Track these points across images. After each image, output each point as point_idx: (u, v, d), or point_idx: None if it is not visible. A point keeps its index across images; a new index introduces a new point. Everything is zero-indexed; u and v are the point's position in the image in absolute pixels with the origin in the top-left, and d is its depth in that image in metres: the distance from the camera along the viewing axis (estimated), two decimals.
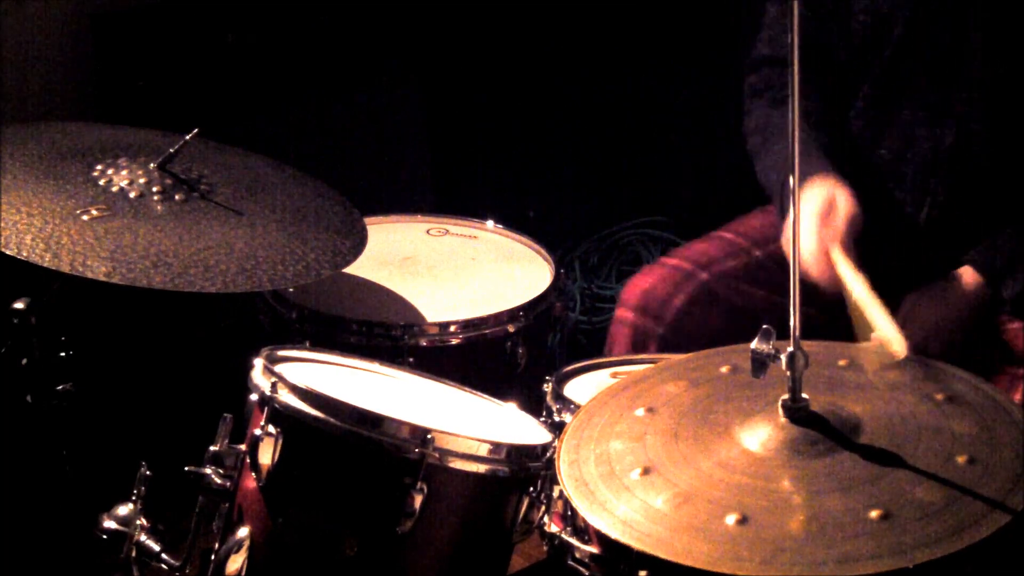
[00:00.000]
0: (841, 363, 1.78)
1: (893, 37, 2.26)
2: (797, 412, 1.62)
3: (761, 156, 2.42)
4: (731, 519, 1.52)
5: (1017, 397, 2.16)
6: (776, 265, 2.37)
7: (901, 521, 1.48)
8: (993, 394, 1.67)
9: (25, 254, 2.05)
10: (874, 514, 1.49)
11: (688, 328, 2.37)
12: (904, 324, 2.23)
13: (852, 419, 1.63)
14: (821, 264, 2.17)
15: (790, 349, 1.59)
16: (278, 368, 1.98)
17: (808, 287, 2.22)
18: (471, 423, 2.08)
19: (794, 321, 1.59)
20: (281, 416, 1.92)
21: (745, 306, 2.40)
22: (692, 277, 2.38)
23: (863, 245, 2.23)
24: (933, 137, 2.27)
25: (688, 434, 1.68)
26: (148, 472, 2.05)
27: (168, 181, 2.31)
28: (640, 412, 1.75)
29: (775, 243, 2.37)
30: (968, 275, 2.27)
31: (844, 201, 2.21)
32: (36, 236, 2.10)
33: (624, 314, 2.42)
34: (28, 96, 3.21)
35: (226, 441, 1.99)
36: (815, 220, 2.18)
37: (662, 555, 1.50)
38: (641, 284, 2.41)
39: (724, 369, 1.82)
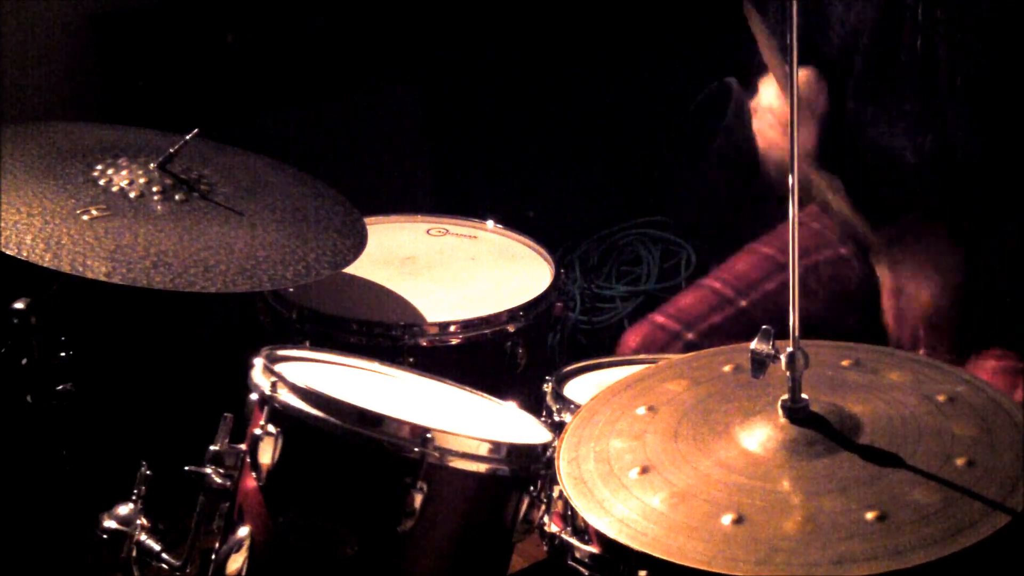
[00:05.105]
0: (844, 363, 1.78)
1: (861, 48, 2.28)
2: (797, 412, 1.62)
3: None
4: (727, 519, 1.52)
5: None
6: (761, 312, 2.43)
7: (897, 523, 1.47)
8: (996, 396, 1.67)
9: (25, 254, 2.05)
10: (870, 515, 1.49)
11: None
12: (894, 319, 2.27)
13: (853, 419, 1.63)
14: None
15: (790, 349, 1.59)
16: (278, 368, 1.98)
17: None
18: (471, 422, 2.08)
19: (793, 321, 1.59)
20: (281, 416, 1.92)
21: None
22: (679, 338, 2.43)
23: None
24: (914, 145, 2.28)
25: (688, 433, 1.68)
26: (148, 472, 2.05)
27: (168, 181, 2.31)
28: (641, 410, 1.74)
29: (760, 288, 2.43)
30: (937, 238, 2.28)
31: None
32: (36, 236, 2.10)
33: None
34: (28, 96, 3.21)
35: (226, 441, 1.99)
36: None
37: (656, 554, 1.50)
38: (630, 342, 2.46)
39: (727, 368, 1.81)
